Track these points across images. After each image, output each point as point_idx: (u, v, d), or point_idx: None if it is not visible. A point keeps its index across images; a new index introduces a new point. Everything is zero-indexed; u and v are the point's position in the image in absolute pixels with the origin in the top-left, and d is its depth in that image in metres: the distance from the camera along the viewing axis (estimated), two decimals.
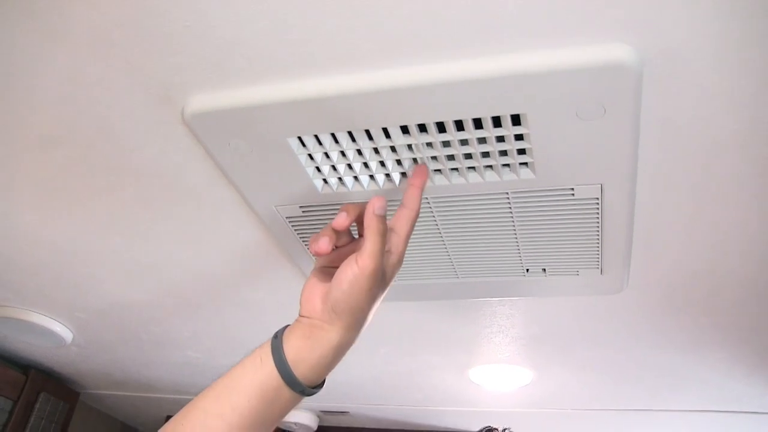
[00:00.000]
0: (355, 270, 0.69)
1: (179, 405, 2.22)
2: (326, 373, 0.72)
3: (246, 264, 1.20)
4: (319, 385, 0.72)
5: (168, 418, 2.36)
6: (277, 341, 0.71)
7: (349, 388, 1.86)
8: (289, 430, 2.15)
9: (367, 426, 2.17)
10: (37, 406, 1.96)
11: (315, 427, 2.15)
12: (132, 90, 0.79)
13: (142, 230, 1.12)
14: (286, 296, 1.30)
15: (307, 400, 1.98)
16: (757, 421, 1.72)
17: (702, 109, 0.72)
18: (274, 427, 0.72)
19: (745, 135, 0.75)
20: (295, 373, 0.68)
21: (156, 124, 0.85)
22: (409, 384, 1.78)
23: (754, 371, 1.42)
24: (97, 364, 1.92)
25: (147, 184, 0.99)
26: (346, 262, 0.71)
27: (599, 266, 1.01)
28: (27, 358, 1.91)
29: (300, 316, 0.74)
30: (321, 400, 1.99)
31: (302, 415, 2.10)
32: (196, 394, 2.05)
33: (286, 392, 0.69)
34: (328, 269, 0.77)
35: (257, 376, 0.69)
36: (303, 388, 0.69)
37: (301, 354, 0.70)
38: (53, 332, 1.63)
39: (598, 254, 0.98)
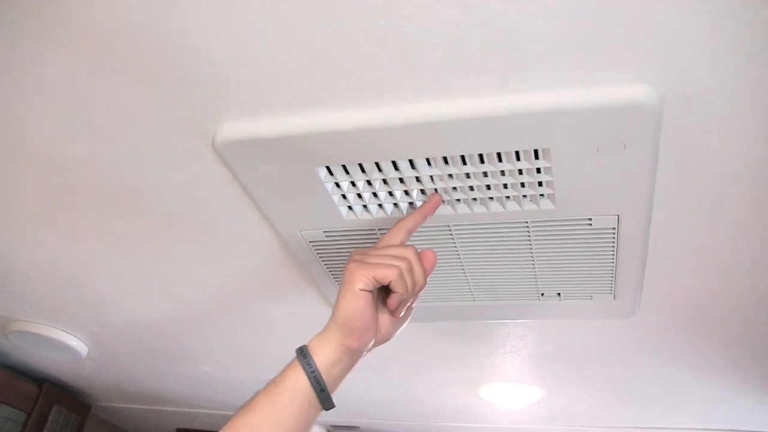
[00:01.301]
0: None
1: (190, 418, 2.24)
2: None
3: (267, 285, 1.23)
4: None
5: (178, 431, 2.38)
6: (313, 371, 0.73)
7: (360, 403, 1.88)
8: None
9: None
10: (50, 418, 1.98)
11: None
12: (163, 116, 0.82)
13: (165, 250, 1.15)
14: (305, 315, 1.32)
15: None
16: None
17: (718, 143, 0.75)
18: None
19: (759, 167, 0.78)
20: (331, 396, 0.72)
21: (185, 150, 0.88)
22: (421, 400, 1.80)
23: (765, 391, 1.44)
24: (110, 378, 1.94)
25: (173, 206, 1.01)
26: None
27: (612, 291, 1.04)
28: (41, 371, 1.94)
29: (343, 338, 0.76)
30: (333, 415, 2.00)
31: (314, 429, 2.11)
32: (207, 407, 2.07)
33: (317, 412, 0.73)
34: (379, 295, 0.80)
35: (299, 407, 0.71)
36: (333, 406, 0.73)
37: (334, 377, 0.73)
38: (69, 347, 1.65)
39: (612, 280, 1.00)
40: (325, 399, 0.73)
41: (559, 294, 1.07)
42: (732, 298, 1.09)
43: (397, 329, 0.83)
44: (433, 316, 1.21)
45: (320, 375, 0.73)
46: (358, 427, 2.10)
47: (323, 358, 0.74)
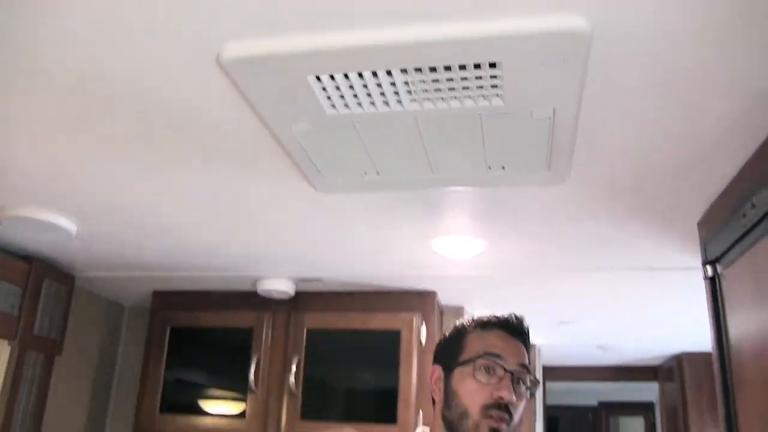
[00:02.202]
0: None
1: (165, 281, 2.51)
2: None
3: (255, 171, 1.42)
4: None
5: (154, 293, 2.60)
6: None
7: (322, 258, 2.12)
8: (270, 296, 2.42)
9: (338, 290, 2.46)
10: (43, 291, 2.17)
11: (293, 293, 2.42)
12: (171, 36, 0.96)
13: (156, 145, 1.32)
14: (286, 196, 1.54)
15: (283, 270, 2.20)
16: (664, 275, 2.09)
17: (638, 60, 0.96)
18: None
19: (668, 79, 1.00)
20: None
21: (191, 65, 1.03)
22: (378, 253, 2.06)
23: (666, 235, 1.75)
24: (93, 252, 2.12)
25: (177, 115, 1.18)
26: None
27: (547, 164, 1.28)
28: (30, 251, 2.10)
29: None
30: (297, 269, 2.26)
31: (281, 282, 2.37)
32: (183, 270, 2.35)
33: None
34: None
35: None
36: None
37: None
38: (60, 227, 1.81)
39: (547, 156, 1.24)
40: None
41: (503, 167, 1.30)
42: (646, 174, 1.35)
43: None
44: (397, 186, 1.44)
45: None
46: (321, 278, 2.35)
47: None
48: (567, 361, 3.99)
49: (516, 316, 1.21)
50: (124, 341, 2.89)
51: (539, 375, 3.55)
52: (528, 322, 1.21)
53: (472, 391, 1.14)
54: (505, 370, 1.13)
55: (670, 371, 3.73)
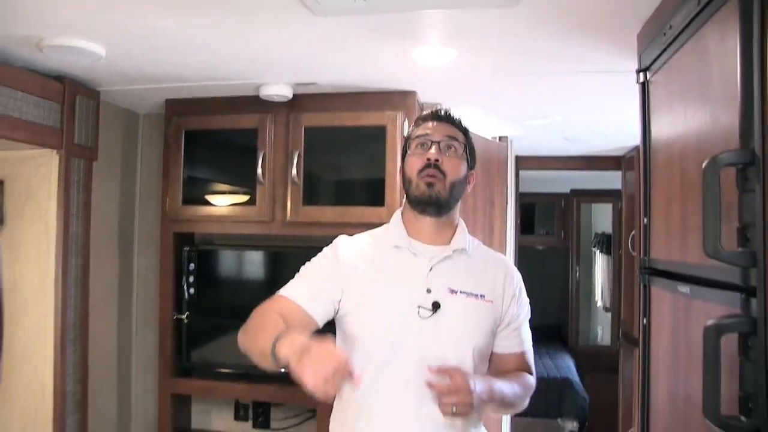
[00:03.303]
0: None
1: (176, 91, 2.91)
2: None
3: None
4: None
5: (166, 101, 2.91)
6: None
7: (317, 65, 2.41)
8: (271, 100, 2.71)
9: (331, 92, 2.73)
10: (77, 105, 2.50)
11: (291, 96, 2.68)
12: None
13: None
14: (287, 18, 1.84)
15: (282, 76, 2.51)
16: (617, 77, 2.39)
17: None
18: None
19: None
20: None
21: None
22: (366, 63, 2.35)
23: (611, 46, 2.05)
24: (115, 70, 2.42)
25: None
26: None
27: None
28: (60, 71, 2.40)
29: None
30: (295, 74, 2.54)
31: (280, 87, 2.63)
32: (193, 80, 2.74)
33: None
34: None
35: None
36: None
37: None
38: (89, 51, 2.10)
39: None
40: None
41: None
42: None
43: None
44: (382, 9, 1.74)
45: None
46: (316, 82, 2.65)
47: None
48: (538, 152, 4.39)
49: (444, 108, 1.69)
50: (141, 145, 3.26)
51: (511, 165, 3.96)
52: (457, 113, 1.68)
53: (412, 164, 1.63)
54: (431, 141, 1.60)
55: (630, 161, 4.14)
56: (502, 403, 1.58)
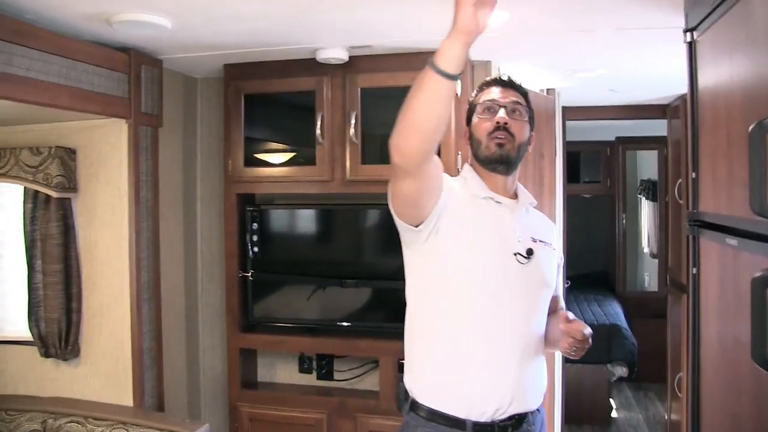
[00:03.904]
0: None
1: (234, 57, 3.02)
2: None
3: None
4: None
5: (224, 66, 3.02)
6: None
7: (371, 28, 2.48)
8: (327, 62, 2.78)
9: (386, 53, 2.79)
10: (142, 75, 2.64)
11: (347, 58, 2.74)
12: None
13: None
14: None
15: (338, 40, 2.57)
16: (664, 32, 2.41)
17: None
18: None
19: None
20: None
21: None
22: (419, 21, 2.41)
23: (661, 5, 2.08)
24: (176, 40, 2.53)
25: None
26: None
27: None
28: (125, 43, 2.52)
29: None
30: (349, 38, 2.61)
31: (335, 51, 2.69)
32: (251, 47, 2.84)
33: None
34: None
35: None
36: None
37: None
38: (156, 24, 2.22)
39: None
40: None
41: None
42: None
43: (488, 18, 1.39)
44: None
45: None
46: (371, 45, 2.71)
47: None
48: (584, 102, 4.40)
49: (507, 75, 1.82)
50: (201, 109, 3.38)
51: (558, 117, 4.00)
52: (518, 78, 1.79)
53: (481, 127, 1.76)
54: (499, 105, 1.73)
55: (676, 109, 4.12)
56: None
